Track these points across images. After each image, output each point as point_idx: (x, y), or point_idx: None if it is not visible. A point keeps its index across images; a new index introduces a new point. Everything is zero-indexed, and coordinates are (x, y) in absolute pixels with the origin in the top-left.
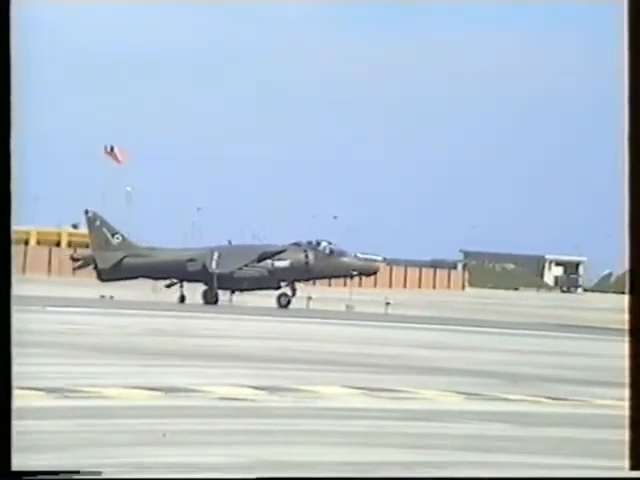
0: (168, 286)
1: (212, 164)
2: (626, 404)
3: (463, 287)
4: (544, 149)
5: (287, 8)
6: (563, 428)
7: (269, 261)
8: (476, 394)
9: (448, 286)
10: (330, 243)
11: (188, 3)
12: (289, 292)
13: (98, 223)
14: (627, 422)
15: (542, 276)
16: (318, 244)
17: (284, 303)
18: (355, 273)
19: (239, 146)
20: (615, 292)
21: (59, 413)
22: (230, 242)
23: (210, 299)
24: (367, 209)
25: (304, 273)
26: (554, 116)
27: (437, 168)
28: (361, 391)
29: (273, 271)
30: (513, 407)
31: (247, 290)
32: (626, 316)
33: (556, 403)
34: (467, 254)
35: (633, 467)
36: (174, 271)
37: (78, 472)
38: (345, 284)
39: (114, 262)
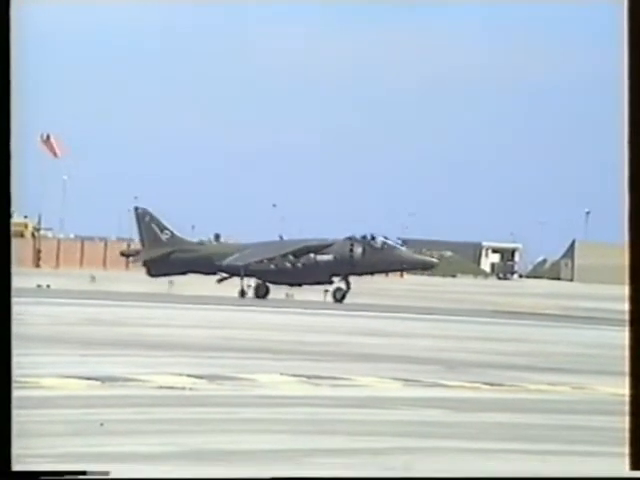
0: (219, 281)
1: (151, 151)
2: (563, 389)
3: (402, 274)
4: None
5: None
6: (498, 413)
7: (312, 255)
8: (414, 380)
9: (386, 274)
10: (386, 238)
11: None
12: (343, 286)
13: (147, 219)
14: (627, 423)
15: (479, 263)
16: (373, 238)
17: (339, 297)
18: (406, 267)
19: (184, 135)
20: (549, 278)
21: None
22: (281, 237)
23: (259, 293)
24: (306, 197)
25: (350, 267)
26: (491, 102)
27: (374, 155)
28: (299, 379)
29: (315, 265)
30: (451, 393)
31: (294, 285)
32: (626, 306)
33: (493, 389)
34: (404, 241)
35: (633, 467)
36: (219, 265)
37: (85, 473)
38: None
39: (162, 257)
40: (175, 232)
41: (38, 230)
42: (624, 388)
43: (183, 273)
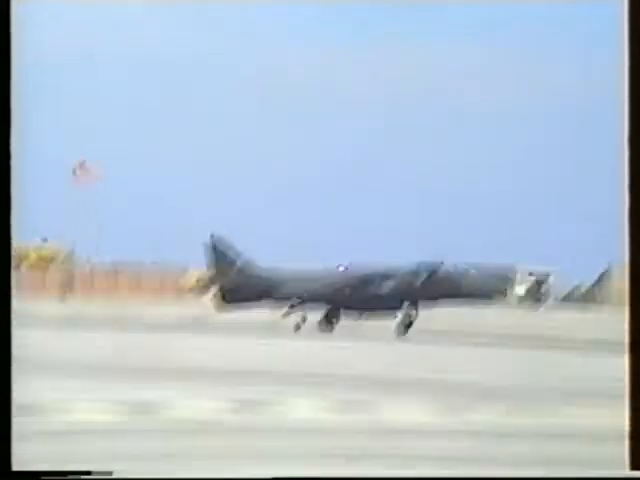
0: (290, 307)
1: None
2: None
3: None
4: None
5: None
6: None
7: (378, 282)
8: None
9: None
10: (456, 265)
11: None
12: (412, 314)
13: (222, 246)
14: (627, 424)
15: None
16: (442, 263)
17: (407, 324)
18: (477, 294)
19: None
20: (586, 302)
21: None
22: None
23: (330, 321)
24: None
25: (411, 295)
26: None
27: (389, 169)
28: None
29: (379, 293)
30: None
31: (364, 310)
32: (625, 327)
33: None
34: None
35: (633, 467)
36: (291, 292)
37: (89, 473)
38: None
39: (237, 284)
40: (248, 258)
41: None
42: None
43: (258, 299)
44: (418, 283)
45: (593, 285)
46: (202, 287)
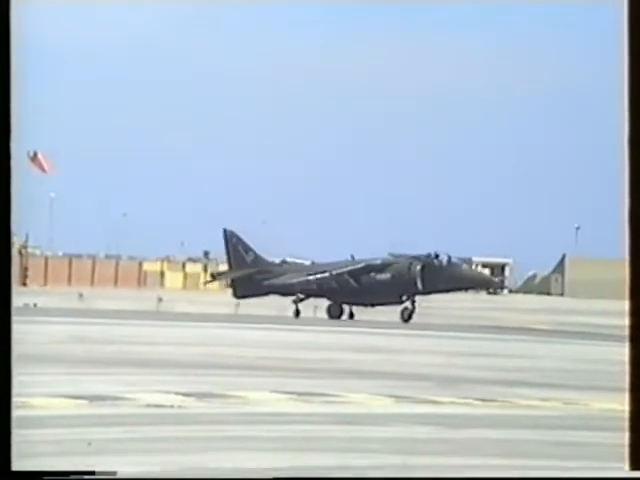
0: (295, 302)
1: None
2: (555, 404)
3: None
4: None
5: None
6: (490, 430)
7: (372, 274)
8: (405, 397)
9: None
10: (450, 256)
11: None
12: (409, 306)
13: (235, 241)
14: (627, 423)
15: None
16: (436, 256)
17: (406, 317)
18: (469, 286)
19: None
20: (539, 293)
21: None
22: (353, 257)
23: (333, 314)
24: (295, 214)
25: (411, 286)
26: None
27: (359, 169)
28: (290, 396)
29: (374, 285)
30: (442, 410)
31: (366, 305)
32: (626, 320)
33: (484, 405)
34: (396, 257)
35: (633, 467)
36: (298, 286)
37: (93, 473)
38: None
39: (247, 278)
40: (258, 253)
41: (25, 248)
42: (616, 403)
43: (266, 294)
44: (415, 276)
45: (547, 276)
46: (213, 281)
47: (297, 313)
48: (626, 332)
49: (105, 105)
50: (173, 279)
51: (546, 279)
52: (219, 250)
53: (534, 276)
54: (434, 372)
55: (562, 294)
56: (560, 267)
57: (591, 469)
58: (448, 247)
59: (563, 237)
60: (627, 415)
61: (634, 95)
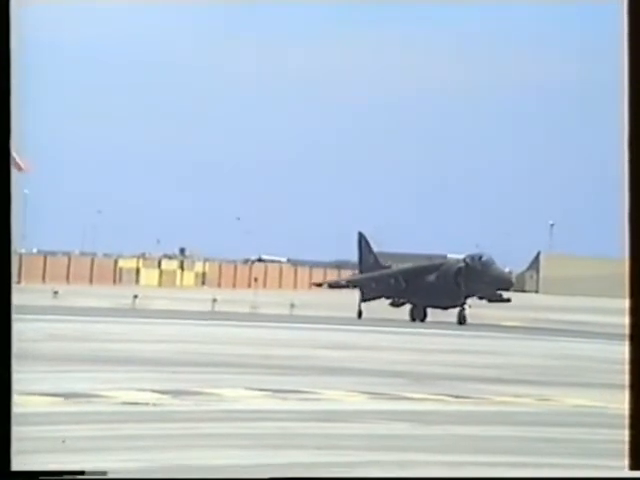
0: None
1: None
2: (527, 400)
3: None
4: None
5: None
6: (464, 426)
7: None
8: (380, 393)
9: None
10: (488, 257)
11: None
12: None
13: (364, 243)
14: (627, 422)
15: None
16: (480, 258)
17: (462, 320)
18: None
19: (152, 149)
20: (514, 290)
21: None
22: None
23: (416, 316)
24: (271, 210)
25: (456, 289)
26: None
27: (338, 168)
28: (265, 393)
29: (423, 286)
30: (416, 406)
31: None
32: (625, 319)
33: (457, 401)
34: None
35: (633, 467)
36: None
37: (83, 473)
38: (249, 285)
39: (372, 281)
40: (377, 256)
41: None
42: (589, 400)
43: (387, 297)
44: (466, 278)
45: (522, 272)
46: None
47: (360, 314)
48: (600, 329)
49: (84, 103)
50: (149, 276)
51: (521, 276)
52: (194, 247)
53: (509, 273)
54: (408, 369)
55: (537, 291)
56: (535, 264)
57: (591, 468)
58: (423, 244)
59: (538, 234)
60: (627, 414)
61: (634, 95)
